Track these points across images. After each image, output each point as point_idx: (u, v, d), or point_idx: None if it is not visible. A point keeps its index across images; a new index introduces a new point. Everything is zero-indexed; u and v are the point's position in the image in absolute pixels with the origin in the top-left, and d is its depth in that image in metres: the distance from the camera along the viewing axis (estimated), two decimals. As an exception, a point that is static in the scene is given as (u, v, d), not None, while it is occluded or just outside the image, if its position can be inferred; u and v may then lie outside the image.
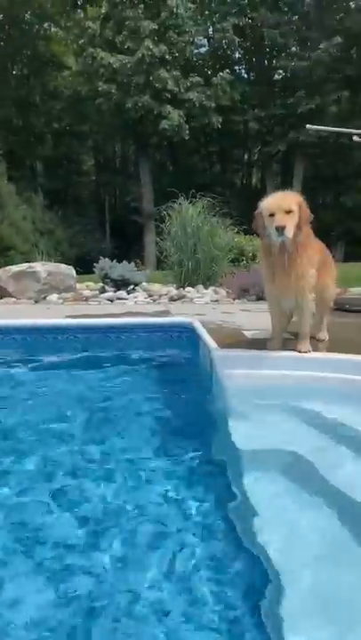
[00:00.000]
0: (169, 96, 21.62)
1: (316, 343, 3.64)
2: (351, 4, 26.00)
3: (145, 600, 1.42)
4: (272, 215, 2.86)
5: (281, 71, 28.35)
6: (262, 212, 2.94)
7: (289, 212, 2.85)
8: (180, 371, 3.87)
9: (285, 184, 28.17)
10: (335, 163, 26.91)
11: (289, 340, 3.51)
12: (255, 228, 3.08)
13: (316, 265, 3.16)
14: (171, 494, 2.01)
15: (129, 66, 20.75)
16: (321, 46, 24.48)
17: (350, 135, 6.04)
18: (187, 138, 22.62)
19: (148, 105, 21.31)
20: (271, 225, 2.85)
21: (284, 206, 2.85)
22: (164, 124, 21.46)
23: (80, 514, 1.87)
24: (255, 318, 5.01)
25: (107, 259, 8.05)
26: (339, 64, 25.50)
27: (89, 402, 3.12)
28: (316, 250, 3.18)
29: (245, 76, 29.15)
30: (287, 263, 2.97)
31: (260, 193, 3.07)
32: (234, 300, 7.20)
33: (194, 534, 1.75)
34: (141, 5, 20.82)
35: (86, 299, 7.04)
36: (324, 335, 3.80)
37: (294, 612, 1.25)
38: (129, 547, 1.69)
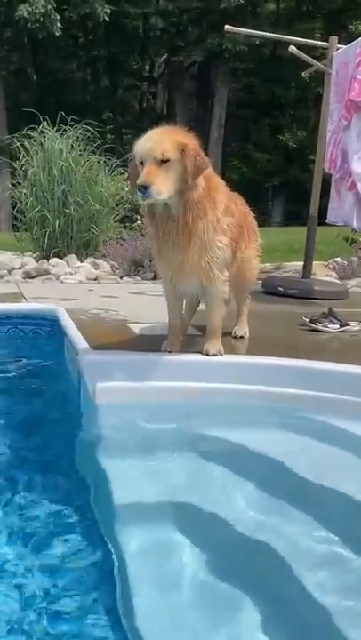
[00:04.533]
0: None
1: (231, 342, 3.74)
2: None
3: None
4: (142, 164, 2.86)
5: None
6: (135, 158, 2.94)
7: (165, 160, 2.83)
8: (32, 385, 3.80)
9: (203, 110, 28.65)
10: (273, 84, 27.64)
11: (194, 338, 3.58)
12: (130, 181, 3.10)
13: (228, 231, 3.20)
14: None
15: None
16: None
17: (288, 44, 6.24)
18: (58, 34, 22.22)
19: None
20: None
21: (155, 153, 2.81)
22: (23, 10, 20.92)
23: None
24: (149, 306, 5.05)
25: None
26: None
27: None
28: (227, 209, 3.20)
29: None
30: (177, 231, 2.98)
31: (168, 121, 3.07)
32: (122, 277, 7.22)
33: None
34: None
35: None
36: (242, 330, 3.91)
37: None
38: None
